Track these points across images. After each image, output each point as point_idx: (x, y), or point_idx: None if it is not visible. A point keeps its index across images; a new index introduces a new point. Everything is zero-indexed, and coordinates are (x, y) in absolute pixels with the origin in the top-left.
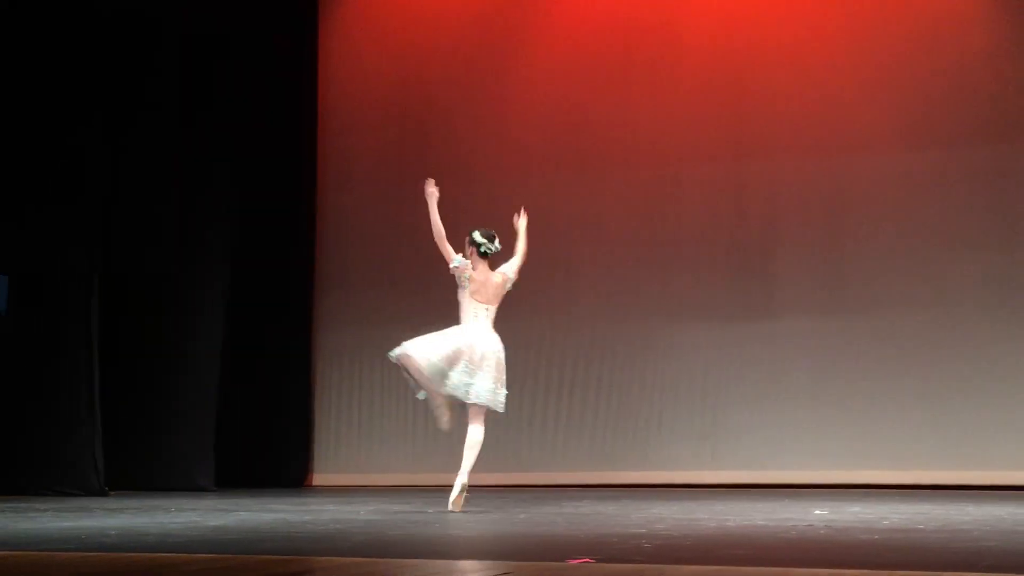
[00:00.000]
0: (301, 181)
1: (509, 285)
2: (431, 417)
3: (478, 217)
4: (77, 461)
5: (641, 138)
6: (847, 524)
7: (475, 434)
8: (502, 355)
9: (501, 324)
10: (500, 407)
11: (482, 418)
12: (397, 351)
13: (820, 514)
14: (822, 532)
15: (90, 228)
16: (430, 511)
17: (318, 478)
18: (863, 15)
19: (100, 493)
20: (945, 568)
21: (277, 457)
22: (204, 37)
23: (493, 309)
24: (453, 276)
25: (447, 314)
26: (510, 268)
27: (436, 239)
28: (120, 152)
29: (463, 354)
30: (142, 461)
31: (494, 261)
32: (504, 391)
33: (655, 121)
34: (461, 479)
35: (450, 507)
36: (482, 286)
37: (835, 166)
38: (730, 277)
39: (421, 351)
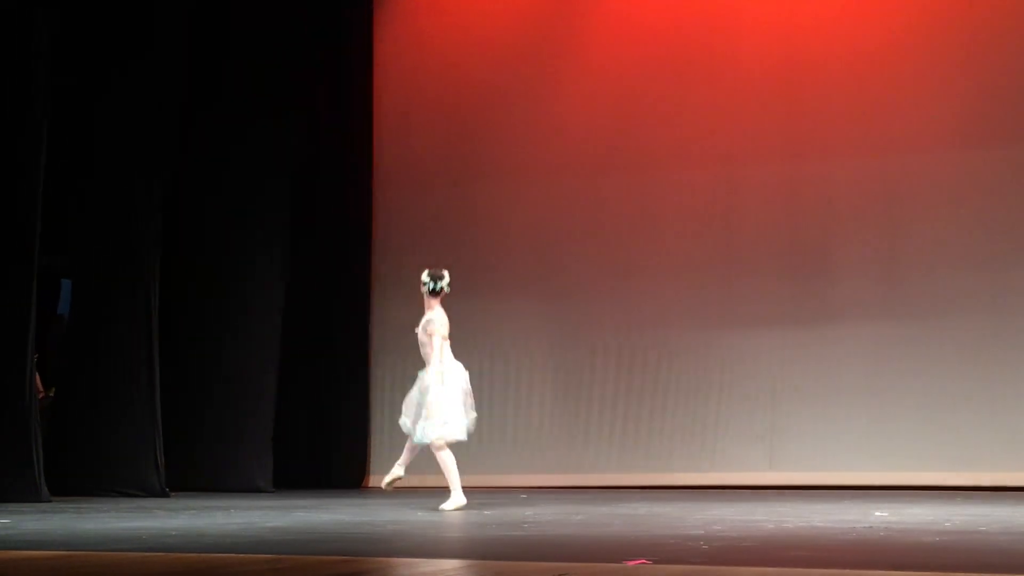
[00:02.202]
0: (357, 182)
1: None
2: (482, 418)
3: (532, 217)
4: (138, 462)
5: (695, 139)
6: (907, 526)
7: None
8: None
9: (560, 328)
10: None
11: None
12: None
13: (880, 516)
14: (882, 534)
15: (150, 231)
16: (487, 512)
17: (375, 479)
18: (919, 13)
19: (161, 494)
20: (1008, 571)
21: (334, 458)
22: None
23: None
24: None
25: (500, 312)
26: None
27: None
28: (181, 152)
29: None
30: (202, 462)
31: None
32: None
33: (709, 122)
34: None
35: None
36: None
37: (891, 166)
38: (786, 279)
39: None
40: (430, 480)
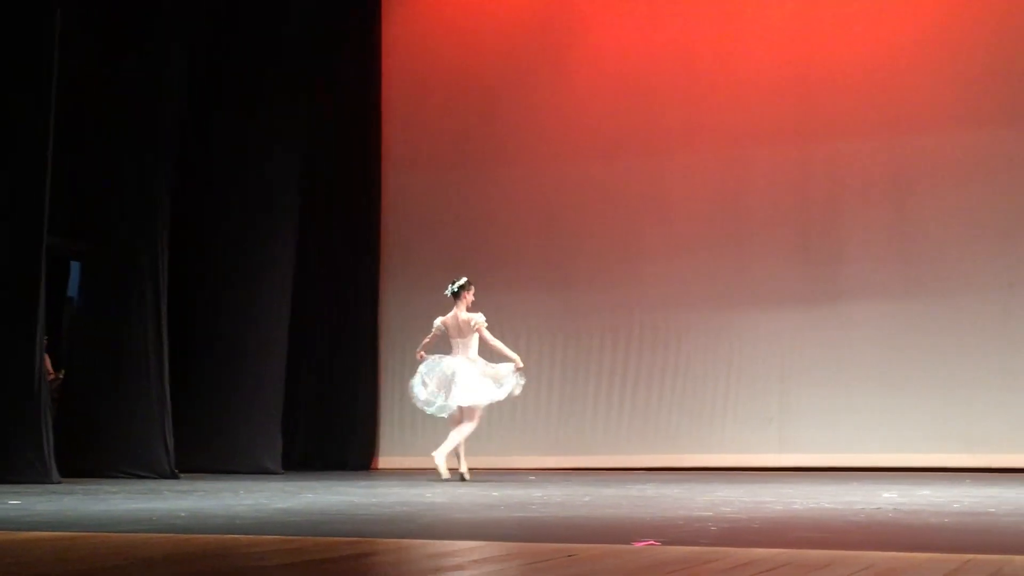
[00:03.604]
0: (367, 165)
1: (474, 324)
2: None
3: (541, 202)
4: (148, 444)
5: (705, 120)
6: (916, 507)
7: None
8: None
9: (570, 311)
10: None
11: (470, 414)
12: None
13: (889, 497)
14: (891, 515)
15: (160, 214)
16: (495, 493)
17: (384, 461)
18: None
19: (170, 475)
20: (1018, 552)
21: (343, 440)
22: (274, 24)
23: (463, 342)
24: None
25: (510, 296)
26: (479, 317)
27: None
28: (191, 137)
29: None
30: (211, 444)
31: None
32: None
33: (719, 105)
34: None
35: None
36: (452, 326)
37: (901, 146)
38: (796, 260)
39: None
40: None
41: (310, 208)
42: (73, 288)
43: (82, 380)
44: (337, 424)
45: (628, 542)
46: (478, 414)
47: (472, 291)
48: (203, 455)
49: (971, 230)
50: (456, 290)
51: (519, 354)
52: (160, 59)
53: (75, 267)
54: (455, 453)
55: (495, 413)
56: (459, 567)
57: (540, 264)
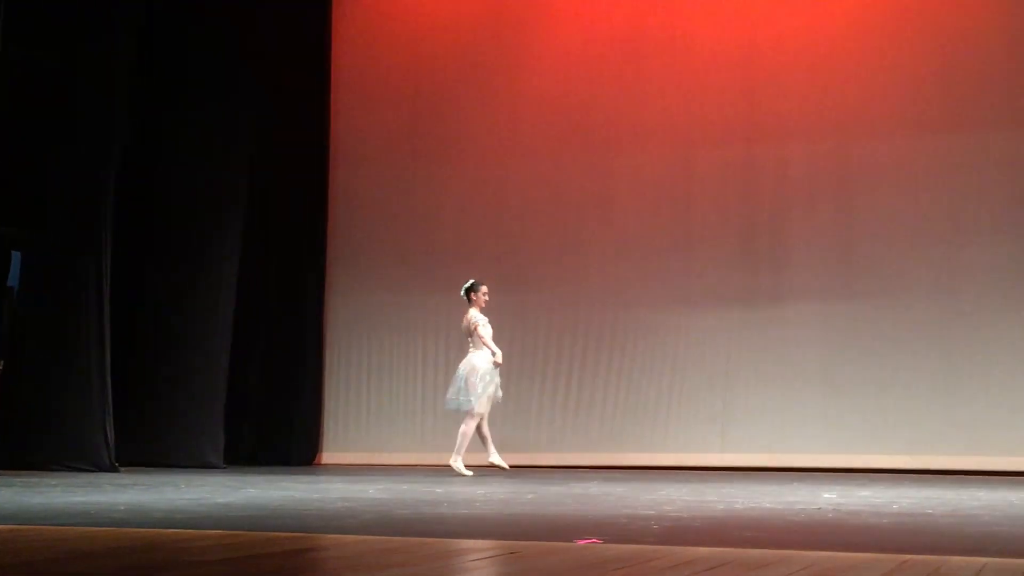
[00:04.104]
0: (314, 160)
1: (468, 324)
2: (439, 397)
3: (489, 197)
4: (88, 437)
5: (652, 120)
6: (856, 508)
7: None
8: (467, 368)
9: (516, 308)
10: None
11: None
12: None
13: (829, 498)
14: (831, 516)
15: (102, 204)
16: (439, 490)
17: (327, 456)
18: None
19: (110, 469)
20: (955, 553)
21: (287, 435)
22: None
23: (470, 341)
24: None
25: (455, 291)
26: (473, 317)
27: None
28: (137, 132)
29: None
30: (152, 438)
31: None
32: (465, 397)
33: (666, 103)
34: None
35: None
36: (463, 327)
37: (846, 150)
38: (740, 260)
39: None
40: (384, 458)
41: (257, 203)
42: (14, 278)
43: (21, 372)
44: (281, 419)
45: (571, 540)
46: (473, 412)
47: (481, 292)
48: (145, 449)
49: (913, 234)
50: (463, 293)
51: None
52: (108, 50)
53: (16, 257)
54: (487, 449)
55: (439, 409)
56: (401, 564)
57: (487, 261)
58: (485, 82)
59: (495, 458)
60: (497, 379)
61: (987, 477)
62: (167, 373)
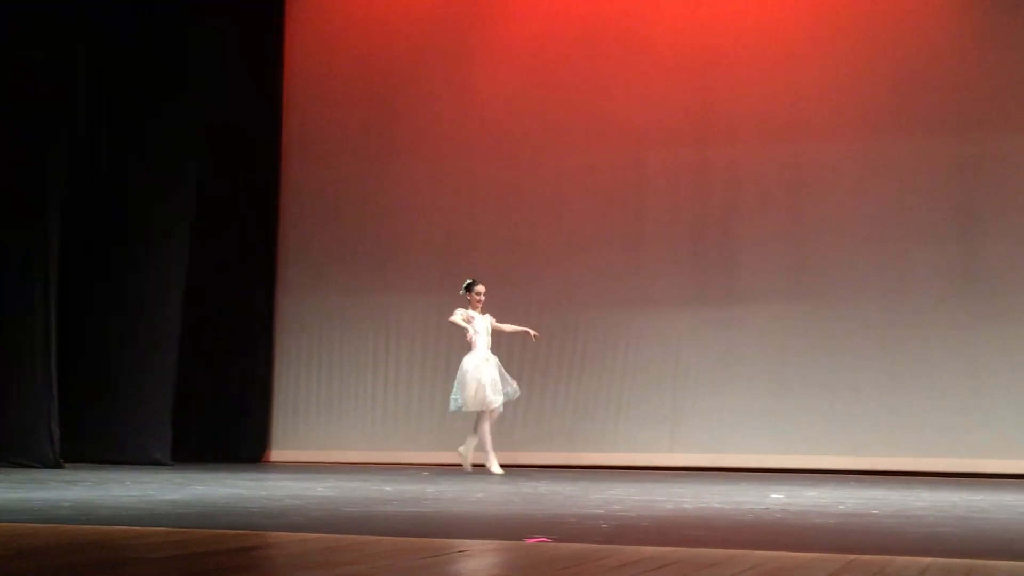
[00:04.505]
0: (266, 157)
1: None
2: (388, 395)
3: (441, 196)
4: (32, 432)
5: (604, 121)
6: (803, 508)
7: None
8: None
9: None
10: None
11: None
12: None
13: (776, 498)
14: (778, 516)
15: (50, 199)
16: (388, 488)
17: (276, 454)
18: (826, 5)
19: (55, 465)
20: (899, 553)
21: (235, 432)
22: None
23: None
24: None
25: (407, 290)
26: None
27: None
28: (86, 126)
29: None
30: (98, 434)
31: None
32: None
33: (620, 104)
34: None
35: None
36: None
37: (797, 153)
38: (692, 262)
39: None
40: (334, 456)
41: (207, 200)
42: None
43: None
44: (229, 416)
45: (520, 539)
46: (482, 411)
47: (474, 291)
48: (91, 446)
49: (862, 236)
50: (462, 291)
51: (419, 350)
52: (59, 51)
53: None
54: (466, 440)
55: (391, 407)
56: (350, 562)
57: (437, 261)
58: (438, 81)
59: (465, 450)
60: (492, 374)
61: (931, 478)
62: (114, 370)
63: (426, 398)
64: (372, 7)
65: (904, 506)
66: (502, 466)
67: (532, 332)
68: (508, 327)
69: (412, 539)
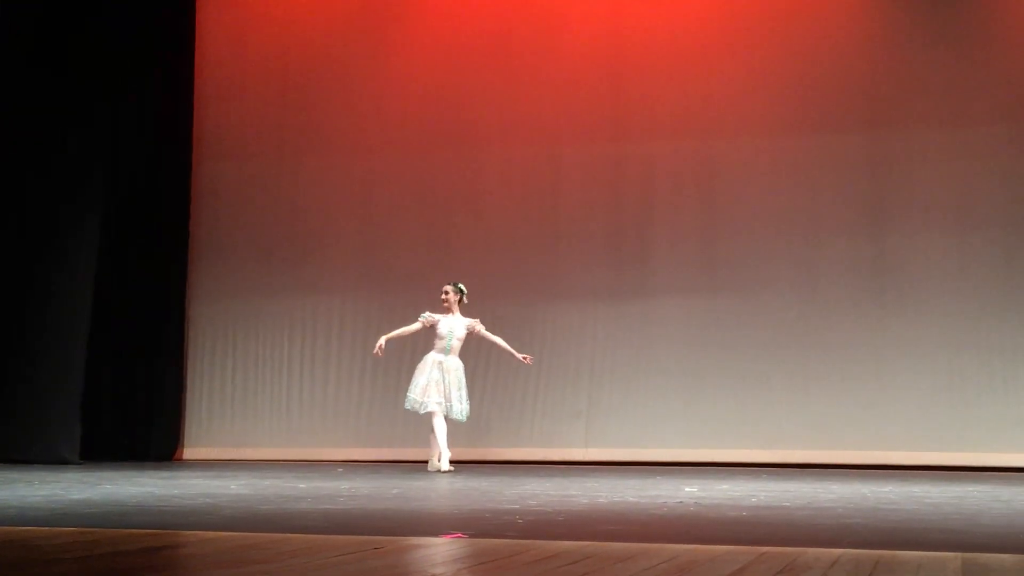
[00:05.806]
0: (177, 152)
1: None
2: (303, 392)
3: (357, 191)
4: None
5: (520, 116)
6: (716, 501)
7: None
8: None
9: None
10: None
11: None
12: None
13: (690, 491)
14: (692, 509)
15: None
16: (302, 485)
17: (188, 452)
18: (739, 4)
19: None
20: (810, 544)
21: (146, 430)
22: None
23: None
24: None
25: (323, 286)
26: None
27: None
28: None
29: None
30: (3, 434)
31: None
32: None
33: (534, 100)
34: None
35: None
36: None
37: (710, 149)
38: (605, 257)
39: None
40: (247, 453)
41: (117, 195)
42: None
43: None
44: (140, 413)
45: (436, 535)
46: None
47: (445, 295)
48: None
49: (774, 232)
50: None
51: (335, 347)
52: None
53: None
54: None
55: (305, 403)
56: (264, 560)
57: (353, 257)
58: (353, 76)
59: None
60: (433, 376)
61: (842, 471)
62: (20, 366)
63: (341, 393)
64: (284, 3)
65: (815, 498)
66: (412, 463)
67: (523, 357)
68: (495, 339)
69: (326, 536)
